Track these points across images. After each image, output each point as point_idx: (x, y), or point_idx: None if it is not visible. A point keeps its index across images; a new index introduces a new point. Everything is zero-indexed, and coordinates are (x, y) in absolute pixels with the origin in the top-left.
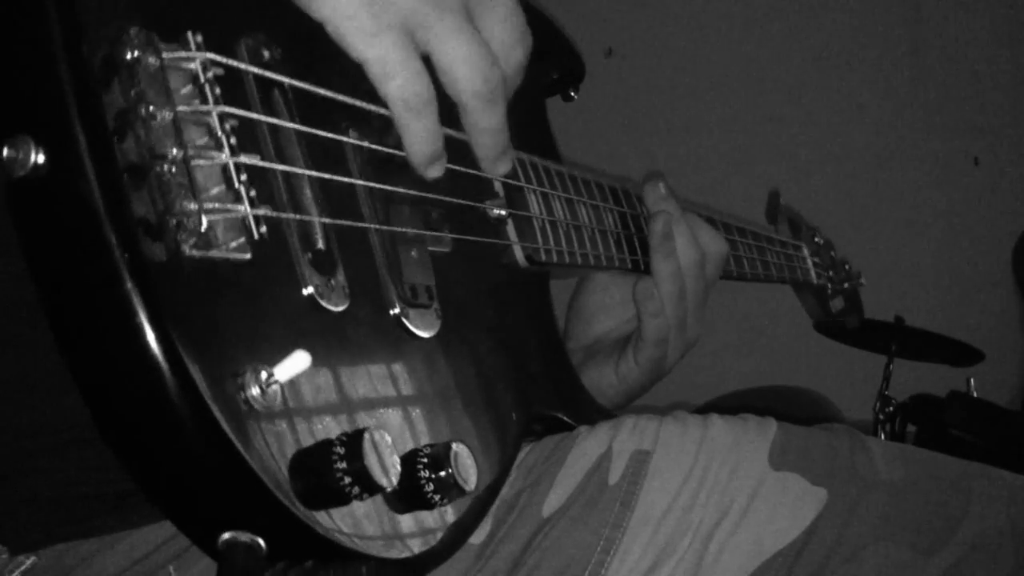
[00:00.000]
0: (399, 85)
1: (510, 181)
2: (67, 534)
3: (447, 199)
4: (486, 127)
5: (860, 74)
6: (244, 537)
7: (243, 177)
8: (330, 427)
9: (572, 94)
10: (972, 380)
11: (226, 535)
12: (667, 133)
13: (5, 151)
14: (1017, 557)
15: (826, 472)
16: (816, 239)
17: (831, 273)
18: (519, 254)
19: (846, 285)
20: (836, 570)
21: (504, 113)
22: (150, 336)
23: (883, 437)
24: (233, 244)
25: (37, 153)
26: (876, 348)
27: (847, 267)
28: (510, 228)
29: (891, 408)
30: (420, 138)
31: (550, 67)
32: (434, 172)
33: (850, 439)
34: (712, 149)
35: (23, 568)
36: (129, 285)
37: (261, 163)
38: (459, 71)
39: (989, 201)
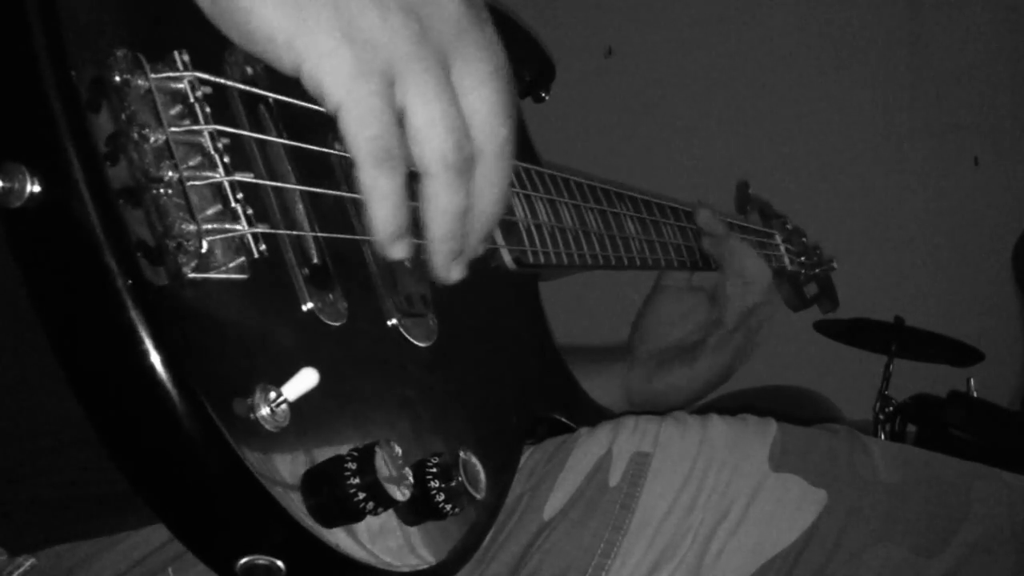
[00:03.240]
0: (372, 136)
1: None
2: (66, 535)
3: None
4: (444, 207)
5: (860, 74)
6: (262, 560)
7: (239, 195)
8: (339, 443)
9: (543, 95)
10: (972, 380)
11: (244, 559)
12: (667, 133)
13: (0, 182)
14: (1018, 558)
15: (826, 473)
16: (787, 226)
17: (803, 259)
18: (507, 257)
19: (818, 270)
20: (836, 572)
21: (464, 198)
22: (157, 362)
23: (883, 437)
24: (232, 264)
25: (32, 183)
26: (876, 348)
27: (819, 252)
28: (496, 232)
29: (891, 408)
30: (387, 202)
31: (522, 69)
32: (397, 251)
33: (850, 440)
34: (712, 149)
35: (22, 569)
36: (133, 312)
37: (256, 181)
38: (431, 131)
39: (989, 201)
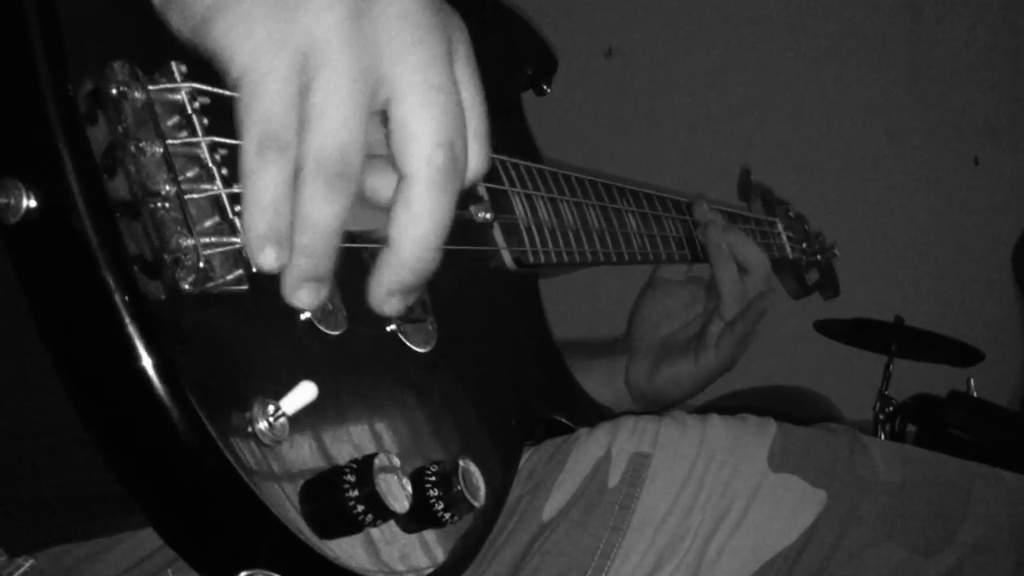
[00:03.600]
0: (262, 114)
1: (493, 185)
2: (66, 536)
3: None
4: (312, 219)
5: (860, 74)
6: (261, 574)
7: (237, 208)
8: (338, 454)
9: (545, 88)
10: (972, 380)
11: (243, 574)
12: (667, 133)
13: None
14: (1017, 558)
15: (825, 473)
16: (789, 213)
17: (805, 246)
18: (507, 258)
19: (819, 257)
20: (836, 572)
21: (343, 206)
22: (154, 376)
23: (883, 437)
24: (230, 276)
25: (28, 198)
26: (876, 348)
27: (820, 239)
28: (496, 232)
29: (891, 408)
30: (266, 194)
31: (524, 62)
32: (264, 258)
33: (850, 440)
34: (712, 149)
35: (22, 570)
36: (130, 328)
37: None
38: (324, 116)
39: (989, 201)
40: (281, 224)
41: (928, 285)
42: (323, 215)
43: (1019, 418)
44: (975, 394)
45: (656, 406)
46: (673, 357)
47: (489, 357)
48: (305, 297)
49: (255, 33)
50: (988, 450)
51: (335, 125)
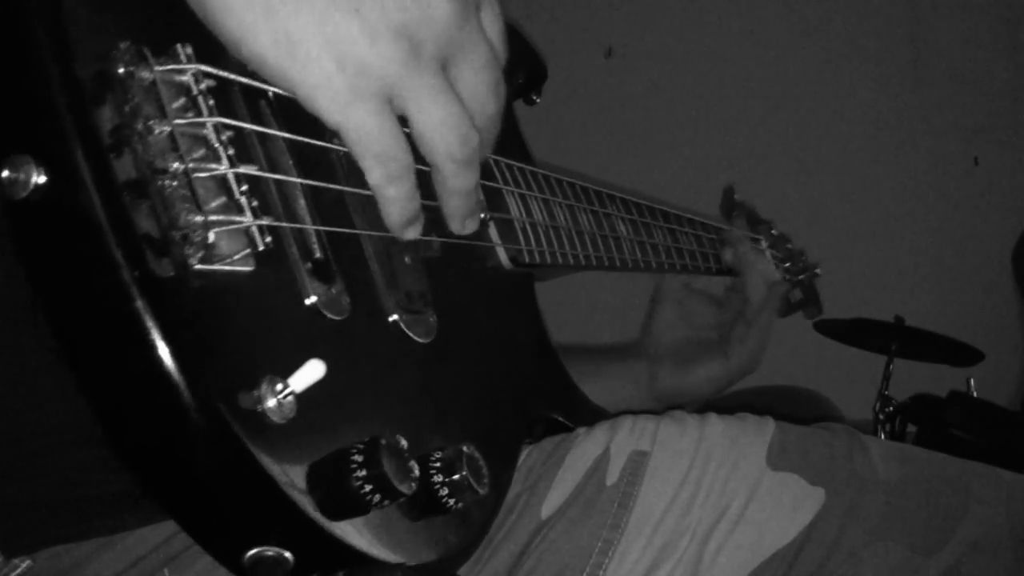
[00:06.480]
0: (377, 154)
1: (488, 183)
2: (63, 536)
3: (431, 203)
4: (458, 189)
5: (860, 74)
6: (270, 552)
7: (244, 188)
8: (345, 435)
9: (535, 98)
10: (972, 380)
11: (252, 551)
12: (667, 133)
13: (5, 172)
14: (1016, 557)
15: (824, 472)
16: (772, 231)
17: (788, 264)
18: (503, 256)
19: (802, 277)
20: (835, 570)
21: (477, 175)
22: (164, 354)
23: (883, 437)
24: (237, 256)
25: (38, 174)
26: (876, 348)
27: (803, 258)
28: (492, 231)
29: (891, 408)
30: (398, 205)
31: (515, 71)
32: (411, 234)
33: (849, 439)
34: (712, 149)
35: (19, 571)
36: (139, 303)
37: (261, 173)
38: (436, 135)
39: (989, 201)
40: (414, 213)
41: (928, 285)
42: (468, 183)
43: (1019, 418)
44: (975, 394)
45: (682, 403)
46: (701, 358)
47: (487, 353)
48: (473, 224)
49: (335, 91)
50: (988, 450)
51: (446, 131)
